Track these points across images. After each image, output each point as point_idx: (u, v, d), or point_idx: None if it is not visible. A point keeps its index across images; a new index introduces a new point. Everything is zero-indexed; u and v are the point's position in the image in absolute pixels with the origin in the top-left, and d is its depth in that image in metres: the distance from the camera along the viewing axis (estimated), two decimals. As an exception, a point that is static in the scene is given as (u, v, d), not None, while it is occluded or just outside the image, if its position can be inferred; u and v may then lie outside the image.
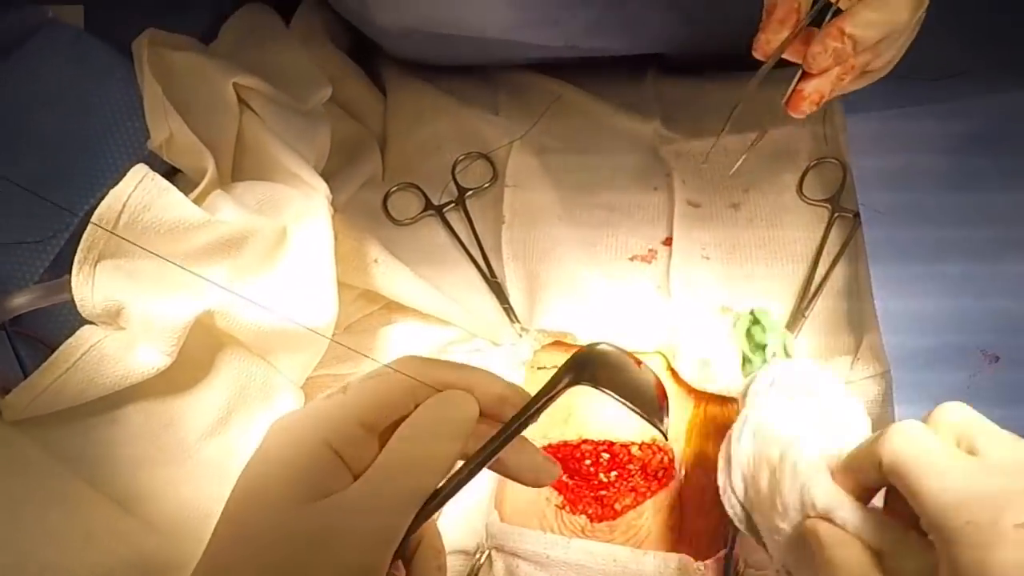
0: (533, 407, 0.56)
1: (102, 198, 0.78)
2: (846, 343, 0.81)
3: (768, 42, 0.65)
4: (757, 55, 0.67)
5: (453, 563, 0.75)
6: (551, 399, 0.56)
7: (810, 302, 0.82)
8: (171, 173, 0.82)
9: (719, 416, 0.81)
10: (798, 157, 0.89)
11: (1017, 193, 0.77)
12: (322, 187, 0.74)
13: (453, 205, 0.92)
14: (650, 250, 0.86)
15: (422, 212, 0.92)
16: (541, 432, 0.75)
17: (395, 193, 0.93)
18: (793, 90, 0.67)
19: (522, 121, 0.96)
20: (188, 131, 0.73)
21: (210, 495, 0.71)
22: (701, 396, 0.79)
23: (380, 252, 0.80)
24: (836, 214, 0.85)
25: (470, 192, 0.92)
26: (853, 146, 0.83)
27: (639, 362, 0.58)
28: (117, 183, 0.78)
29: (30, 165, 0.79)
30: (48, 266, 0.76)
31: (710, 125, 0.93)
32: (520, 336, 0.83)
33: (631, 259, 0.85)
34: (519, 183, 0.90)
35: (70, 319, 0.78)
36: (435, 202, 0.92)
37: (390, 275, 0.79)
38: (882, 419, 0.79)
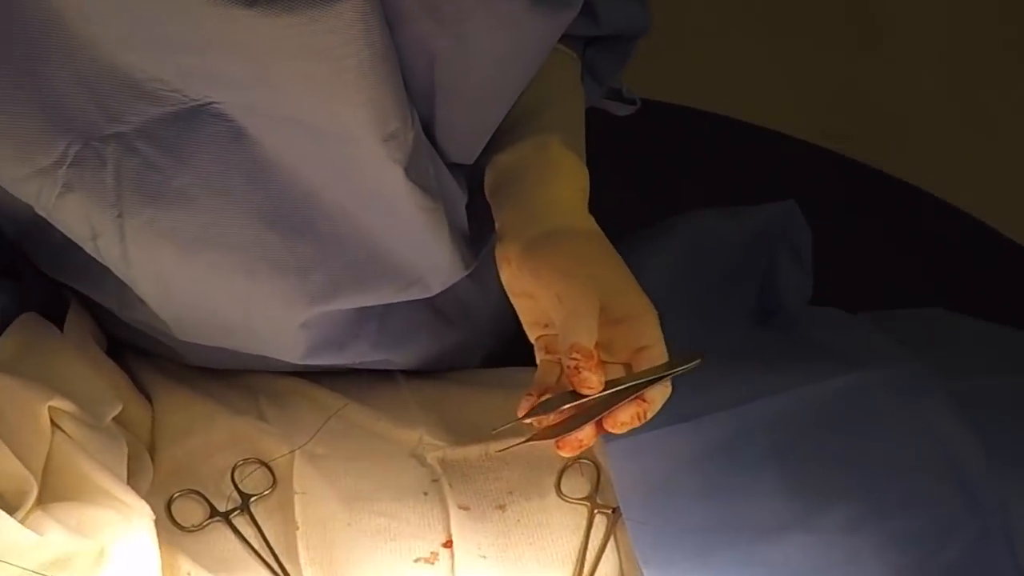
0: None
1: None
2: None
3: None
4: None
5: None
6: None
7: (580, 598, 0.92)
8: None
9: None
10: (554, 460, 1.01)
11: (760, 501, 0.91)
12: (143, 507, 0.76)
13: (239, 511, 0.95)
14: (432, 552, 0.93)
15: (208, 519, 0.94)
16: None
17: (177, 499, 0.95)
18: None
19: (292, 428, 1.02)
20: (13, 458, 0.74)
21: None
22: None
23: (192, 565, 0.81)
24: (596, 511, 0.97)
25: (253, 498, 0.96)
26: (612, 459, 0.95)
27: None
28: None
29: None
30: None
31: (472, 427, 1.03)
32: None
33: (415, 561, 0.92)
34: (306, 490, 0.95)
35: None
36: (220, 509, 0.95)
37: (205, 589, 0.81)
38: None
